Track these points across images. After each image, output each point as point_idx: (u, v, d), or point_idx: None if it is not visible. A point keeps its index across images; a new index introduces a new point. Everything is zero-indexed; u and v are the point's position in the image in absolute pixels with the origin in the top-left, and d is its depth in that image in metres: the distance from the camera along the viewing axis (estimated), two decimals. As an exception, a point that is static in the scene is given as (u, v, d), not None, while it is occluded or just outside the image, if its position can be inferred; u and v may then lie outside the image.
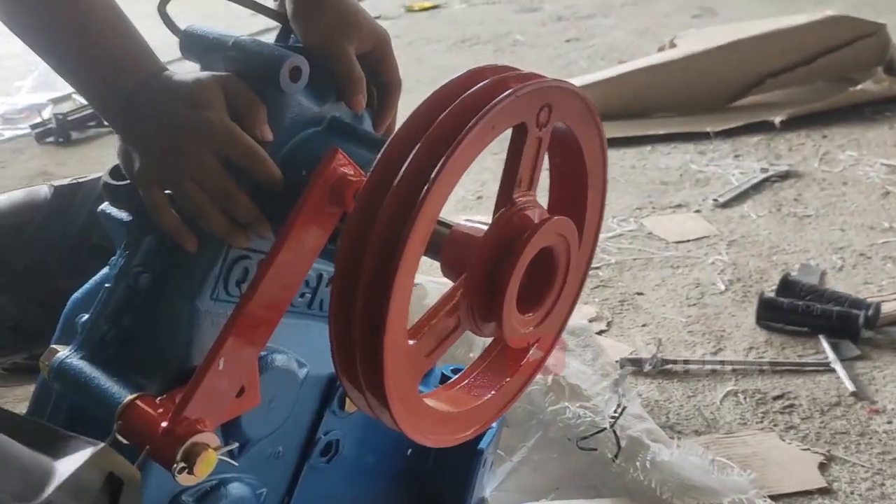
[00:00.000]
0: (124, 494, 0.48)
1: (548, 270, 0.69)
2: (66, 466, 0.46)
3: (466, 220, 0.69)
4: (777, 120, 2.31)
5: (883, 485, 1.11)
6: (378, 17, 3.66)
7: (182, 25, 0.77)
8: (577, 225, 0.74)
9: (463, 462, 1.00)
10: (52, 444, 0.47)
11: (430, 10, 4.31)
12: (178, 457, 0.63)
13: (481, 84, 0.62)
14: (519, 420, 1.18)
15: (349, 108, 0.77)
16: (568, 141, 0.71)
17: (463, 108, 0.60)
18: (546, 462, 1.13)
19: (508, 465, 1.14)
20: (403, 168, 0.58)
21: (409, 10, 4.28)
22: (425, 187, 0.57)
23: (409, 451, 1.01)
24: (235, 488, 0.78)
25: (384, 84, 0.79)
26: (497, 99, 0.59)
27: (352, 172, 0.68)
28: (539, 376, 1.16)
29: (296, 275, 0.69)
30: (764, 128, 2.32)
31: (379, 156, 0.60)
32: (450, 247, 0.67)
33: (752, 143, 2.27)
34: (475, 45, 3.58)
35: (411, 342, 0.62)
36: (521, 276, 0.65)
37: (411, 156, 0.58)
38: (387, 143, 0.60)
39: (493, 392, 0.74)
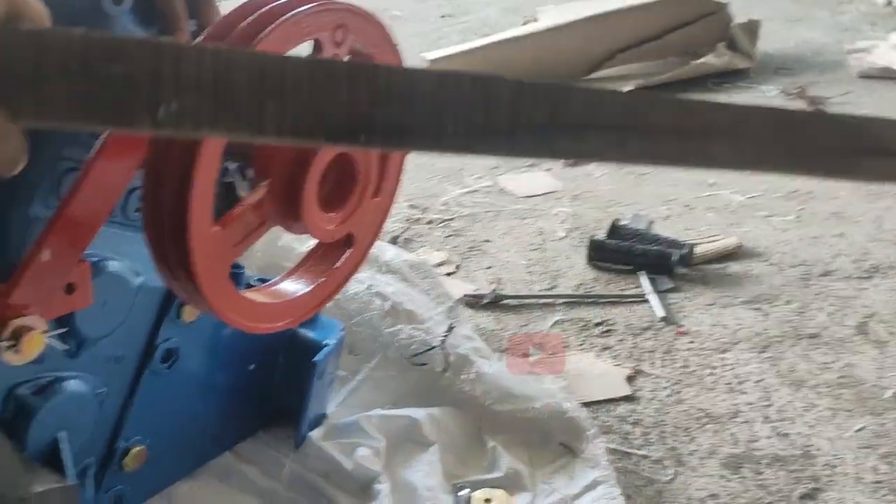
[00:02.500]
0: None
1: (348, 174, 0.79)
2: None
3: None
4: (625, 90, 2.49)
5: (679, 392, 1.27)
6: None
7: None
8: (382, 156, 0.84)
9: (301, 376, 1.09)
10: None
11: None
12: (7, 335, 0.70)
13: (279, 1, 0.71)
14: (364, 346, 1.28)
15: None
16: (367, 61, 0.81)
17: (258, 21, 0.68)
18: (385, 380, 1.23)
19: (352, 384, 1.24)
20: (203, 71, 0.66)
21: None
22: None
23: (252, 366, 1.09)
24: (73, 384, 0.85)
25: (201, 24, 0.86)
26: (290, 13, 0.68)
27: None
28: (378, 302, 1.27)
29: (117, 184, 0.76)
30: (615, 97, 2.49)
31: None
32: (258, 151, 0.75)
33: (603, 110, 2.43)
34: (353, 20, 3.66)
35: (216, 229, 0.71)
36: (320, 176, 0.74)
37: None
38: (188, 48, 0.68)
39: (308, 289, 0.84)
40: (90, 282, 0.80)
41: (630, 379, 1.29)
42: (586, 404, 1.22)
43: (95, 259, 0.82)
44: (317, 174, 0.74)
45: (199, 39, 0.68)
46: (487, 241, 1.73)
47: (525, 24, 2.96)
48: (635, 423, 1.21)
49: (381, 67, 0.31)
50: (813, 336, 1.39)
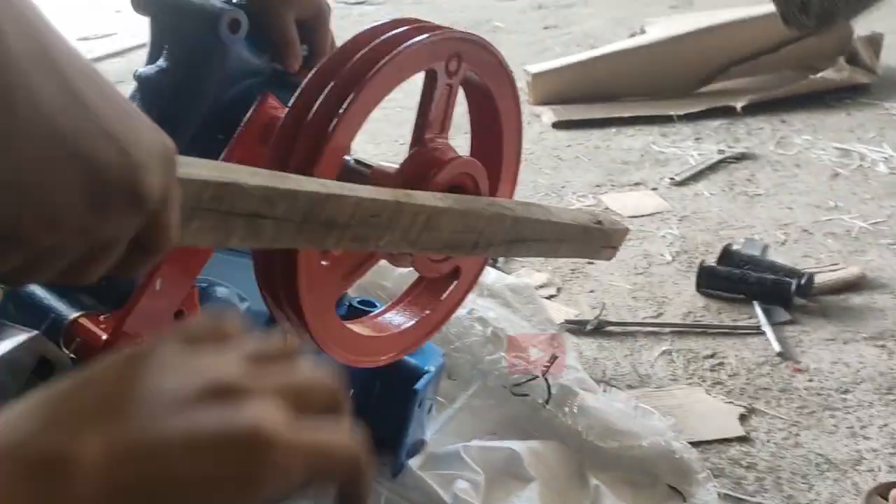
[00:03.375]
0: (55, 377, 0.54)
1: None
2: (2, 347, 0.52)
3: (386, 163, 0.76)
4: (739, 105, 2.39)
5: (798, 435, 1.19)
6: (362, 3, 3.72)
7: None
8: (495, 171, 0.81)
9: (400, 403, 1.07)
10: (-10, 329, 0.54)
11: (415, -4, 4.37)
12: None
13: (396, 31, 0.69)
14: (462, 372, 1.25)
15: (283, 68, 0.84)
16: (482, 92, 0.78)
17: (374, 51, 0.67)
18: (484, 408, 1.20)
19: (450, 411, 1.21)
20: (315, 105, 0.65)
21: (395, -5, 4.35)
22: (333, 122, 0.64)
23: (351, 392, 1.08)
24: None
25: (313, 52, 0.86)
26: (406, 44, 0.66)
27: (281, 115, 0.75)
28: (479, 327, 1.24)
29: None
30: (726, 113, 2.40)
31: (296, 94, 0.66)
32: (369, 184, 0.74)
33: (713, 127, 2.34)
34: (456, 31, 3.65)
35: (325, 263, 0.69)
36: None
37: (323, 94, 0.65)
38: (304, 82, 0.66)
39: (412, 322, 0.82)
40: (198, 308, 0.80)
41: (743, 418, 1.22)
42: (696, 444, 1.16)
43: (204, 285, 0.82)
44: (427, 207, 0.72)
45: (315, 69, 0.66)
46: (590, 262, 1.68)
47: (632, 36, 2.88)
48: (749, 467, 1.14)
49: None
50: (945, 379, 1.28)
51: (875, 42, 2.63)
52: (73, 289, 0.79)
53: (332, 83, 0.64)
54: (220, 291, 0.85)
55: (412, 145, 0.73)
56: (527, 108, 2.65)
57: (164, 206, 0.37)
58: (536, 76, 2.55)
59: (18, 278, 0.35)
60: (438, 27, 0.71)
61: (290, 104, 0.66)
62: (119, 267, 0.38)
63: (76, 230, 0.33)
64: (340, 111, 0.63)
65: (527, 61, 2.90)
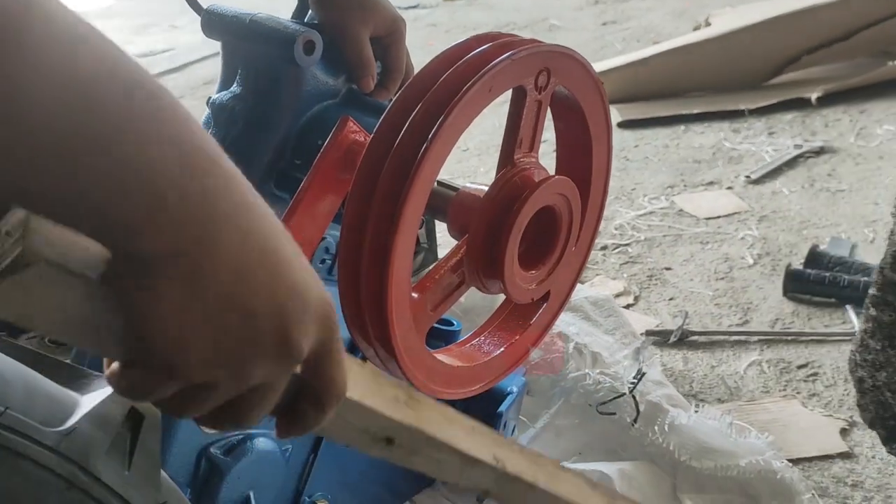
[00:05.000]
0: (144, 428, 0.52)
1: (550, 229, 0.72)
2: (92, 399, 0.50)
3: (472, 184, 0.72)
4: (813, 96, 2.29)
5: (905, 450, 1.12)
6: (416, 7, 3.71)
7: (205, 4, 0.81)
8: (584, 187, 0.77)
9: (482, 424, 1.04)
10: (78, 382, 0.52)
11: (468, -3, 4.34)
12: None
13: (481, 49, 0.65)
14: (542, 388, 1.21)
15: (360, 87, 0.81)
16: (570, 105, 0.74)
17: (461, 71, 0.63)
18: (568, 428, 1.16)
19: (532, 431, 1.17)
20: (403, 130, 0.61)
21: (447, -2, 4.32)
22: (423, 147, 0.60)
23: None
24: (262, 443, 0.83)
25: (387, 69, 0.83)
26: (493, 62, 0.63)
27: (362, 139, 0.72)
28: (561, 343, 1.20)
29: (310, 239, 0.73)
30: (799, 105, 2.31)
31: (381, 119, 0.63)
32: (454, 207, 0.70)
33: (787, 121, 2.25)
34: (512, 31, 3.61)
35: (415, 295, 0.66)
36: (521, 234, 0.68)
37: (410, 118, 0.61)
38: (389, 106, 0.63)
39: (501, 349, 0.78)
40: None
41: (844, 432, 1.15)
42: (795, 461, 1.10)
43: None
44: (518, 230, 0.68)
45: (399, 93, 0.63)
46: (668, 268, 1.62)
47: (696, 29, 2.80)
48: (855, 486, 1.07)
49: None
50: None
51: (957, 24, 2.51)
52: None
53: (418, 108, 0.61)
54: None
55: (501, 165, 0.69)
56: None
57: (329, 353, 0.39)
58: (600, 75, 2.49)
59: (174, 410, 0.38)
60: (524, 41, 0.67)
61: (374, 130, 0.63)
62: (289, 417, 0.41)
63: (222, 368, 0.35)
64: (429, 137, 0.60)
65: (587, 59, 2.84)
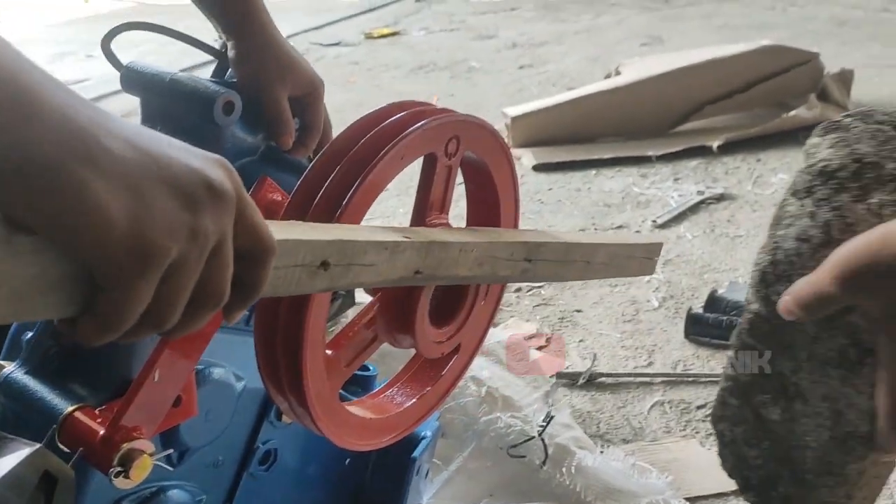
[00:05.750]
0: (58, 492, 0.53)
1: (459, 287, 0.76)
2: (5, 464, 0.51)
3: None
4: (714, 145, 2.42)
5: (794, 487, 1.19)
6: (338, 44, 3.75)
7: (125, 60, 0.83)
8: (492, 245, 0.81)
9: (397, 470, 1.06)
10: (-8, 444, 0.52)
11: (390, 36, 4.40)
12: (115, 461, 0.68)
13: (395, 117, 0.69)
14: (456, 431, 1.24)
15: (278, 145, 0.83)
16: (479, 168, 0.78)
17: (377, 138, 0.66)
18: (480, 470, 1.19)
19: (445, 474, 1.20)
20: (321, 192, 0.64)
21: (369, 36, 4.37)
22: (338, 211, 0.63)
23: (348, 460, 1.06)
24: (175, 495, 0.83)
25: (306, 126, 0.86)
26: (405, 132, 0.66)
27: (280, 199, 0.74)
28: (473, 387, 1.23)
29: (228, 292, 0.75)
30: (702, 152, 2.43)
31: (300, 181, 0.66)
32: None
33: (691, 167, 2.37)
34: (432, 72, 3.68)
35: (329, 352, 0.68)
36: (432, 292, 0.71)
37: (328, 181, 0.64)
38: (307, 169, 0.66)
39: (413, 400, 0.81)
40: (195, 393, 0.79)
41: (739, 471, 1.22)
42: (693, 500, 1.15)
43: (200, 367, 0.81)
44: (429, 288, 0.71)
45: (318, 156, 0.66)
46: (578, 310, 1.68)
47: (607, 77, 2.91)
48: (747, 523, 1.13)
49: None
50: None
51: (845, 78, 2.69)
52: (66, 377, 0.77)
53: (335, 173, 0.64)
54: (217, 373, 0.84)
55: (413, 226, 0.72)
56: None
57: (244, 203, 0.42)
58: (516, 119, 2.57)
59: (162, 311, 0.39)
60: (437, 111, 0.71)
61: (293, 193, 0.66)
62: (234, 292, 0.43)
63: (186, 231, 0.38)
64: (344, 203, 0.63)
65: (504, 102, 2.93)
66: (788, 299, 0.56)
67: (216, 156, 0.42)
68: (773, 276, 0.60)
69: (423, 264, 0.60)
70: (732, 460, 0.67)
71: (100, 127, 0.36)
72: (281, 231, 0.47)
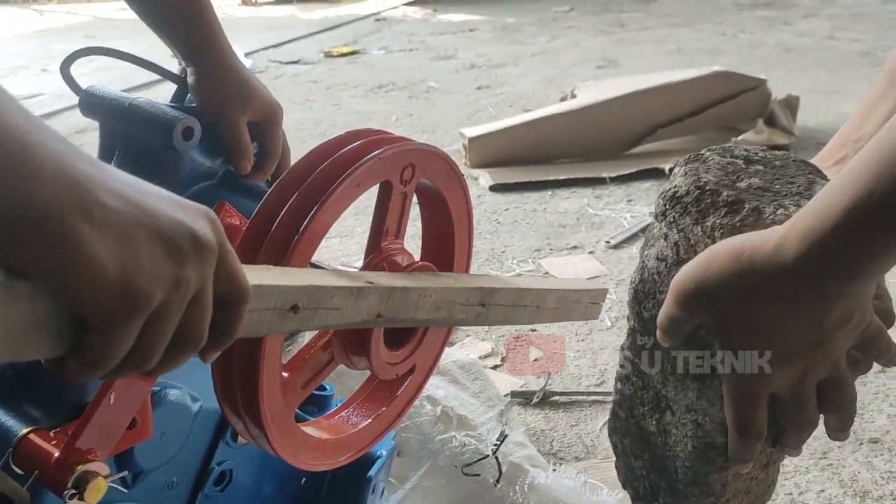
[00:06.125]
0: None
1: (414, 309, 0.78)
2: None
3: (342, 266, 0.77)
4: (667, 167, 2.48)
5: (740, 503, 1.23)
6: (297, 62, 3.76)
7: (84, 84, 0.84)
8: (446, 270, 0.83)
9: (353, 489, 1.07)
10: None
11: (349, 55, 4.42)
12: (70, 484, 0.69)
13: (353, 145, 0.71)
14: (412, 450, 1.25)
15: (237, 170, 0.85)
16: (434, 195, 0.80)
17: (334, 166, 0.68)
18: (435, 489, 1.21)
19: (400, 492, 1.21)
20: (278, 219, 0.66)
21: (329, 55, 4.39)
22: (295, 237, 0.65)
23: (304, 480, 1.07)
24: (128, 516, 0.83)
25: (264, 151, 0.87)
26: (362, 160, 0.68)
27: (238, 223, 0.76)
28: (429, 406, 1.25)
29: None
30: (655, 174, 2.49)
31: (258, 207, 0.67)
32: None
33: (644, 189, 2.42)
34: (391, 91, 3.70)
35: (286, 374, 0.70)
36: (387, 315, 0.73)
37: (286, 208, 0.66)
38: (266, 195, 0.67)
39: (368, 421, 0.82)
40: (150, 414, 0.79)
41: (687, 488, 1.25)
42: (643, 517, 1.18)
43: (156, 389, 0.81)
44: (384, 313, 0.73)
45: (276, 183, 0.67)
46: (533, 330, 1.71)
47: (563, 99, 2.97)
48: (695, 539, 1.16)
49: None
50: (874, 441, 1.34)
51: (791, 104, 2.78)
52: (21, 400, 0.77)
53: (292, 199, 0.66)
54: (173, 394, 0.84)
55: (368, 251, 0.74)
56: (464, 171, 2.71)
57: (225, 251, 0.45)
58: (473, 140, 2.60)
59: (144, 355, 0.42)
60: (394, 139, 0.73)
61: (251, 218, 0.67)
62: (211, 335, 0.45)
63: (170, 279, 0.41)
64: (301, 228, 0.64)
65: (462, 122, 2.97)
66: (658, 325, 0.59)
67: (202, 207, 0.45)
68: (642, 293, 0.64)
69: (385, 308, 0.63)
70: (624, 471, 0.71)
71: (94, 179, 0.39)
72: (255, 276, 0.50)
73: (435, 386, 1.29)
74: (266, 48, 4.47)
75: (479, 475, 1.18)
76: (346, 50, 4.49)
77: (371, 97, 3.63)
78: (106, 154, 0.81)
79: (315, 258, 0.74)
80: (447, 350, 1.42)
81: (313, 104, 3.48)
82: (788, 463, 1.30)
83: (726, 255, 0.54)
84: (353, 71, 4.08)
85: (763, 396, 0.57)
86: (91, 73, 3.43)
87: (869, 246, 0.49)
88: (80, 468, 0.69)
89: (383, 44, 4.69)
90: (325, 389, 1.09)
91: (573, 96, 2.91)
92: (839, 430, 0.60)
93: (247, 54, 4.24)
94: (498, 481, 1.17)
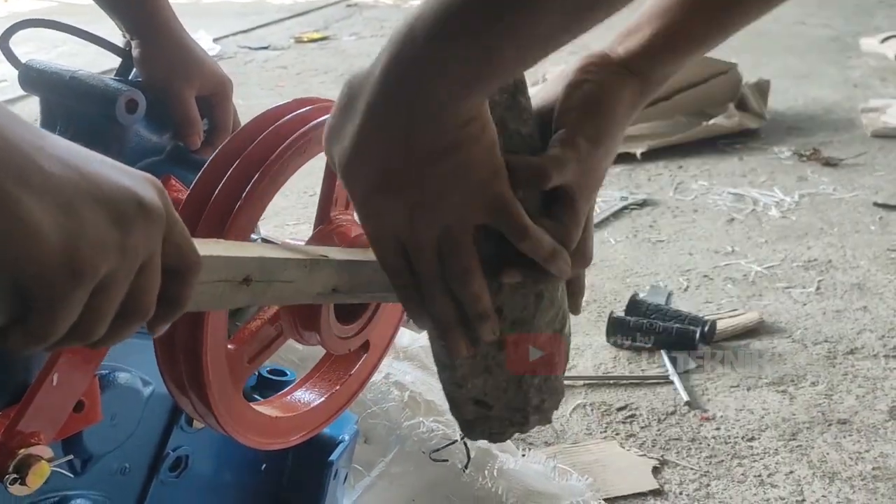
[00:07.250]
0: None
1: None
2: None
3: (291, 240, 0.75)
4: (638, 152, 2.47)
5: (708, 485, 1.22)
6: (266, 48, 3.71)
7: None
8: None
9: (315, 474, 1.05)
10: None
11: (320, 41, 4.38)
12: (10, 468, 0.66)
13: (298, 112, 0.68)
14: (379, 437, 1.23)
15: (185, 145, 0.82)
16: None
17: (277, 133, 0.66)
18: (403, 475, 1.19)
19: (367, 479, 1.19)
20: (219, 187, 0.63)
21: (299, 40, 4.34)
22: (237, 204, 0.62)
23: (264, 465, 1.05)
24: (79, 504, 0.81)
25: (214, 126, 0.85)
26: (307, 126, 0.66)
27: (184, 197, 0.73)
28: (396, 392, 1.23)
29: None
30: (626, 159, 2.48)
31: (199, 175, 0.65)
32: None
33: (615, 173, 2.41)
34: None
35: (231, 346, 0.67)
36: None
37: (226, 176, 0.64)
38: (206, 164, 0.65)
39: (322, 399, 0.80)
40: (99, 398, 0.77)
41: (656, 470, 1.24)
42: (611, 500, 1.17)
43: (104, 371, 0.79)
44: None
45: (217, 151, 0.65)
46: (503, 315, 1.69)
47: (534, 84, 2.95)
48: (664, 521, 1.16)
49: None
50: (843, 422, 1.33)
51: (762, 88, 2.78)
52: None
53: (234, 166, 0.63)
54: (122, 377, 0.82)
55: (317, 222, 0.72)
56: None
57: (173, 221, 0.44)
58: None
59: (90, 323, 0.40)
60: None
61: (191, 186, 0.65)
62: (159, 306, 0.44)
63: (116, 248, 0.39)
64: (244, 194, 0.62)
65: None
66: None
67: (147, 175, 0.43)
68: None
69: (340, 282, 0.61)
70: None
71: (32, 145, 0.37)
72: (205, 248, 0.49)
73: (402, 371, 1.27)
74: (235, 34, 4.40)
75: (447, 461, 1.16)
76: (316, 36, 4.44)
77: (341, 83, 3.58)
78: (48, 129, 0.79)
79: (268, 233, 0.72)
80: (414, 335, 1.40)
81: (283, 90, 3.43)
82: (757, 445, 1.30)
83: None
84: (324, 57, 4.04)
85: (386, 239, 0.54)
86: (55, 58, 3.37)
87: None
88: (22, 452, 0.67)
89: (354, 30, 4.65)
90: (285, 375, 1.07)
91: (544, 80, 2.89)
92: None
93: (216, 40, 4.17)
94: (466, 467, 1.15)
